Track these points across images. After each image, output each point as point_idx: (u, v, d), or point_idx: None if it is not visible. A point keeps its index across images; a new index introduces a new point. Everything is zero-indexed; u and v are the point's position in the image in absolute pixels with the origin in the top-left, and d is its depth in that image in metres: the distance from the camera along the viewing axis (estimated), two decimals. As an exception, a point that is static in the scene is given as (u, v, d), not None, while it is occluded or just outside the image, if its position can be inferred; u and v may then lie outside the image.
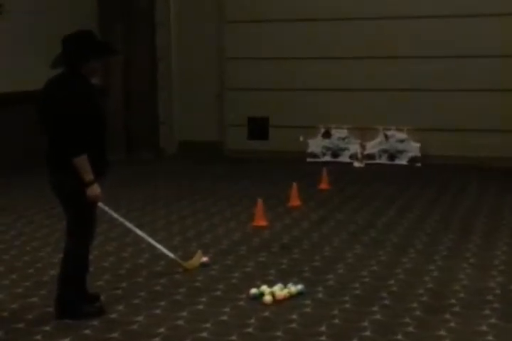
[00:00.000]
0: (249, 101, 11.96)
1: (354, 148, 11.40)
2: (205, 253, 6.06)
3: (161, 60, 12.24)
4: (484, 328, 4.57)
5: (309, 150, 11.60)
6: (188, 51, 12.28)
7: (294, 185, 8.21)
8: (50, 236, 6.84)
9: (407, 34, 11.14)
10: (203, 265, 5.86)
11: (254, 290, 5.13)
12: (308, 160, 11.53)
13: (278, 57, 11.76)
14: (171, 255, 5.77)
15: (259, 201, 7.24)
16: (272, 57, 11.78)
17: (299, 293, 5.15)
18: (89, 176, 4.50)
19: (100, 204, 4.86)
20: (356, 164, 11.29)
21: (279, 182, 9.61)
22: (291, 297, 5.10)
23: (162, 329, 4.57)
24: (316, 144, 11.60)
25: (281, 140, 11.86)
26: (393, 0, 11.21)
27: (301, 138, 11.60)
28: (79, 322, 4.65)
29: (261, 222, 7.23)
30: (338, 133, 11.53)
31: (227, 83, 12.13)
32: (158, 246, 5.77)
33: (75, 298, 4.70)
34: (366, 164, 11.25)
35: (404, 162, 11.22)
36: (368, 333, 4.50)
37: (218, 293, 5.25)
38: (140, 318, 4.75)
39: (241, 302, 5.03)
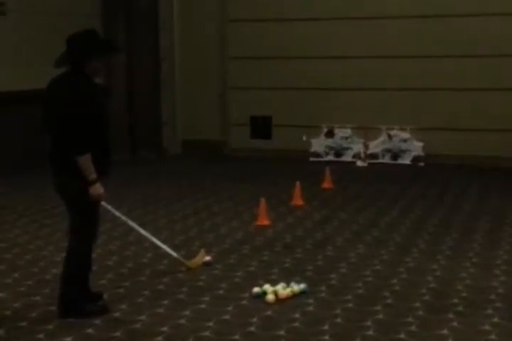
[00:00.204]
0: (251, 101, 11.97)
1: (357, 147, 11.40)
2: (208, 253, 6.07)
3: (163, 60, 12.25)
4: (487, 327, 4.57)
5: (312, 149, 11.61)
6: (191, 50, 12.29)
7: (297, 184, 8.22)
8: (53, 235, 6.85)
9: (409, 33, 11.14)
10: (206, 264, 5.86)
11: (257, 289, 5.13)
12: (311, 159, 11.53)
13: (281, 57, 11.76)
14: (174, 254, 5.78)
15: (262, 200, 7.25)
16: (275, 57, 11.78)
17: (302, 292, 5.16)
18: (92, 175, 4.51)
19: (103, 203, 4.87)
20: (359, 163, 11.29)
21: (282, 181, 9.61)
22: (294, 296, 5.10)
23: (165, 328, 4.57)
24: (319, 143, 11.60)
25: (284, 139, 11.86)
26: (394, 0, 11.22)
27: (304, 138, 11.60)
28: (82, 320, 4.65)
29: (264, 221, 7.24)
30: (341, 133, 11.53)
31: (229, 82, 12.14)
32: (161, 245, 5.78)
33: (77, 297, 4.71)
34: (369, 163, 11.25)
35: (407, 161, 11.21)
36: (370, 332, 4.50)
37: (221, 292, 5.26)
38: (143, 317, 4.76)
39: (244, 302, 5.04)
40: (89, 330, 4.55)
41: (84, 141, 4.47)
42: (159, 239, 5.92)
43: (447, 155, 11.03)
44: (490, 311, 4.83)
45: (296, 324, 4.64)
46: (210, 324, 4.64)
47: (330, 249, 6.40)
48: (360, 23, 11.36)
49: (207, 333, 4.51)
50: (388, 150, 11.32)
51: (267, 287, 5.14)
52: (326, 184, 9.24)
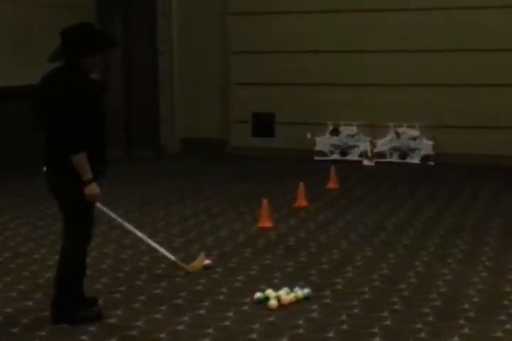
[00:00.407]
0: (253, 97, 11.97)
1: (364, 145, 11.39)
2: (207, 256, 6.06)
3: (162, 54, 12.25)
4: (499, 334, 4.56)
5: (317, 148, 11.60)
6: (191, 44, 12.29)
7: (301, 184, 8.21)
8: (46, 238, 6.85)
9: (418, 27, 11.12)
10: (206, 268, 5.86)
11: (258, 295, 5.13)
12: (316, 158, 11.53)
13: (284, 51, 11.76)
14: (172, 257, 5.78)
15: (264, 201, 7.24)
16: (278, 51, 11.78)
17: (306, 298, 5.15)
18: (87, 175, 4.51)
19: (98, 204, 4.87)
20: (366, 162, 11.29)
21: (285, 181, 9.61)
22: (298, 301, 5.10)
23: (162, 335, 4.57)
24: (323, 142, 11.60)
25: (287, 137, 11.87)
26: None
27: (309, 136, 11.60)
28: (76, 327, 4.65)
29: (266, 223, 7.23)
30: (347, 131, 11.52)
31: (231, 78, 12.13)
32: (159, 248, 5.78)
33: (71, 302, 4.71)
34: (376, 163, 11.24)
35: (416, 160, 11.20)
36: (377, 340, 4.49)
37: (221, 297, 5.25)
38: (139, 323, 4.76)
39: (245, 307, 5.03)
40: (84, 337, 4.55)
41: (79, 138, 4.47)
42: (157, 242, 5.92)
43: (458, 154, 11.02)
44: (503, 317, 4.82)
45: (300, 331, 4.64)
46: (210, 330, 4.63)
47: (335, 252, 6.39)
48: (367, 15, 11.36)
49: (206, 340, 4.50)
50: (396, 149, 11.31)
51: (270, 292, 5.14)
52: (331, 184, 9.23)
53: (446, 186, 9.38)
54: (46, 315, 4.79)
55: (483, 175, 10.12)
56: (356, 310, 4.97)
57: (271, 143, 12.03)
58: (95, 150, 4.58)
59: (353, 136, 11.48)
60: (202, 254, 5.97)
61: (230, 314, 4.90)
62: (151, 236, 5.97)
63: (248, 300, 5.14)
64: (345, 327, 4.69)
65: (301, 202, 8.18)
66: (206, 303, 5.10)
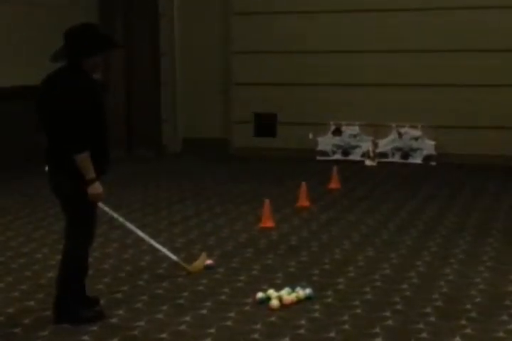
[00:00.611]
0: (255, 97, 11.97)
1: (366, 145, 11.40)
2: (209, 256, 6.07)
3: (164, 55, 12.26)
4: (502, 335, 4.56)
5: (319, 148, 11.61)
6: (193, 45, 12.30)
7: (303, 184, 8.22)
8: (48, 237, 6.86)
9: (420, 27, 11.12)
10: (207, 268, 5.87)
11: (260, 295, 5.13)
12: (318, 158, 11.53)
13: (286, 51, 11.77)
14: (174, 257, 5.79)
15: (266, 201, 7.25)
16: (280, 51, 11.79)
17: (308, 298, 5.16)
18: (91, 174, 4.52)
19: (100, 204, 4.88)
20: (368, 163, 11.29)
21: (287, 181, 9.61)
22: (299, 301, 5.10)
23: (164, 335, 4.58)
24: (326, 142, 11.60)
25: (289, 137, 11.87)
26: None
27: (311, 136, 11.60)
28: (78, 327, 4.66)
29: (268, 223, 7.24)
30: (349, 131, 11.53)
31: (232, 78, 12.14)
32: (161, 248, 5.78)
33: (73, 302, 4.72)
34: (378, 163, 11.24)
35: (418, 160, 11.21)
36: (379, 340, 4.50)
37: (223, 297, 5.26)
38: (141, 323, 4.76)
39: (247, 307, 5.04)
40: (85, 337, 4.55)
41: (82, 138, 4.48)
42: (158, 242, 5.93)
43: (461, 154, 11.02)
44: (505, 317, 4.82)
45: (302, 331, 4.64)
46: (212, 330, 4.64)
47: (337, 252, 6.40)
48: (369, 15, 11.37)
49: (208, 340, 4.51)
50: (398, 149, 11.31)
51: (271, 292, 5.14)
52: (333, 184, 9.24)
53: (448, 186, 9.38)
54: (48, 315, 4.80)
55: (484, 175, 10.12)
56: (358, 310, 4.97)
57: (273, 143, 12.04)
58: (98, 150, 4.59)
59: (355, 136, 11.48)
60: (204, 254, 5.98)
61: (232, 314, 4.90)
62: (152, 236, 5.97)
63: (250, 300, 5.15)
64: (346, 327, 4.69)
65: (303, 202, 8.18)
66: (208, 303, 5.11)
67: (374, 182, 9.72)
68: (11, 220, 7.60)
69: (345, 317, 4.84)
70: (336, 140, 11.56)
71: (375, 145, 11.36)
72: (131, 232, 5.89)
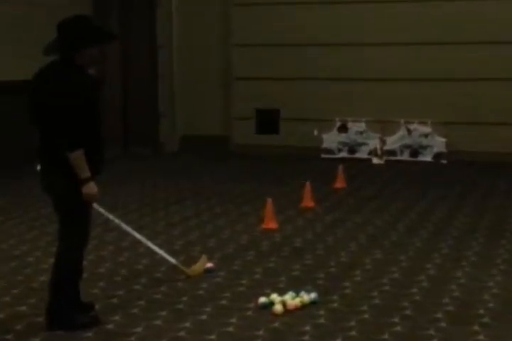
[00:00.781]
0: (257, 92, 11.98)
1: (373, 143, 11.40)
2: (209, 259, 6.07)
3: (161, 47, 12.26)
4: (516, 341, 4.57)
5: (324, 145, 11.61)
6: (191, 37, 12.30)
7: (307, 184, 8.22)
8: (40, 239, 6.87)
9: (430, 18, 11.13)
10: (208, 271, 5.87)
11: (263, 299, 5.14)
12: (323, 156, 11.54)
13: (290, 44, 11.77)
14: (172, 260, 5.79)
15: (269, 201, 7.25)
16: (283, 44, 11.79)
17: (313, 302, 5.16)
18: (85, 173, 4.52)
19: (95, 204, 4.88)
20: (375, 161, 11.29)
21: (290, 181, 9.62)
22: (304, 306, 5.10)
23: (162, 342, 4.59)
24: (331, 139, 11.61)
25: (293, 134, 11.87)
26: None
27: (315, 133, 11.61)
28: (72, 333, 4.66)
29: (271, 224, 7.24)
30: (355, 127, 11.53)
31: (233, 72, 12.14)
32: (159, 250, 5.79)
33: (67, 307, 4.72)
34: (386, 161, 11.24)
35: (428, 158, 11.21)
36: (388, 346, 4.51)
37: (224, 302, 5.26)
38: (138, 329, 4.77)
39: (249, 313, 5.04)
40: (80, 344, 4.57)
41: (75, 135, 4.48)
42: (156, 244, 5.93)
43: (472, 151, 11.02)
44: (519, 323, 4.83)
45: (307, 337, 4.64)
46: (212, 337, 4.64)
47: (343, 254, 6.40)
48: (376, 6, 11.37)
49: (208, 347, 4.52)
50: (407, 147, 11.32)
51: (275, 296, 5.15)
52: (339, 183, 9.24)
53: (459, 185, 9.38)
54: (41, 321, 4.80)
55: (497, 173, 10.14)
56: (365, 316, 4.97)
57: (275, 140, 12.04)
58: (92, 148, 4.59)
59: (361, 132, 11.49)
60: (203, 257, 5.98)
61: (233, 320, 4.91)
62: (150, 238, 5.98)
63: (252, 305, 5.15)
64: (353, 333, 4.69)
65: (308, 202, 8.19)
66: (208, 308, 5.11)
67: (382, 182, 9.73)
68: (2, 221, 7.60)
69: (352, 323, 4.84)
70: (342, 137, 11.56)
71: (383, 142, 11.37)
72: (127, 234, 5.89)
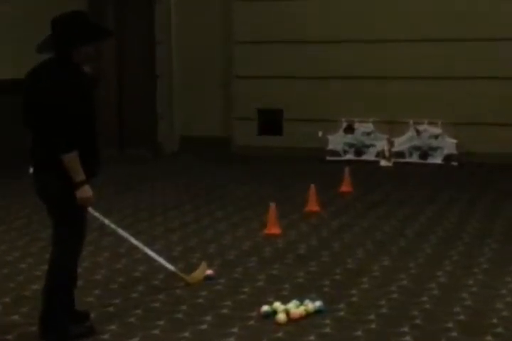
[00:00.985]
0: (260, 92, 11.98)
1: (381, 144, 11.40)
2: (209, 265, 6.07)
3: (159, 45, 12.27)
4: (531, 352, 4.56)
5: (329, 147, 11.61)
6: (191, 34, 12.30)
7: (312, 187, 8.22)
8: (33, 246, 6.87)
9: (440, 15, 11.13)
10: (208, 278, 5.87)
11: (266, 308, 5.13)
12: (328, 158, 11.54)
13: (293, 41, 11.77)
14: (171, 267, 5.79)
15: (272, 205, 7.25)
16: (287, 41, 11.80)
17: (318, 311, 5.16)
18: (80, 176, 4.52)
19: (90, 209, 4.88)
20: (383, 163, 11.29)
21: (294, 183, 9.62)
22: (308, 315, 5.10)
23: (161, 352, 4.59)
24: (337, 140, 11.61)
25: (296, 135, 11.87)
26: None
27: (320, 134, 11.61)
28: (66, 343, 4.67)
29: (274, 229, 7.24)
30: (362, 128, 11.54)
31: (234, 71, 12.14)
32: (156, 257, 5.79)
33: (61, 316, 4.71)
34: (395, 163, 11.24)
35: (438, 160, 11.21)
36: (396, 357, 4.51)
37: (225, 310, 5.26)
38: (135, 339, 4.76)
39: (251, 322, 5.04)
40: (74, 354, 4.56)
41: (70, 136, 4.48)
42: (154, 250, 5.93)
43: (484, 153, 11.02)
44: (534, 333, 4.83)
45: (311, 347, 4.65)
46: (213, 347, 4.65)
47: (349, 261, 6.40)
48: (385, 1, 11.36)
49: (209, 358, 4.52)
50: (416, 148, 11.31)
51: (278, 305, 5.14)
52: (345, 187, 9.24)
53: (470, 188, 9.38)
54: (34, 331, 4.80)
55: (510, 176, 10.12)
56: (373, 325, 4.97)
57: (279, 141, 12.04)
58: (87, 149, 4.59)
59: (368, 133, 11.49)
60: (203, 264, 5.99)
61: (235, 329, 4.90)
62: (147, 244, 5.97)
63: (254, 314, 5.15)
64: (360, 343, 4.70)
65: (312, 206, 8.19)
66: (208, 318, 5.11)
67: (390, 185, 9.72)
68: (-8, 226, 7.62)
69: (359, 333, 4.84)
70: (348, 138, 11.56)
71: (391, 143, 11.36)
72: (124, 240, 5.89)
